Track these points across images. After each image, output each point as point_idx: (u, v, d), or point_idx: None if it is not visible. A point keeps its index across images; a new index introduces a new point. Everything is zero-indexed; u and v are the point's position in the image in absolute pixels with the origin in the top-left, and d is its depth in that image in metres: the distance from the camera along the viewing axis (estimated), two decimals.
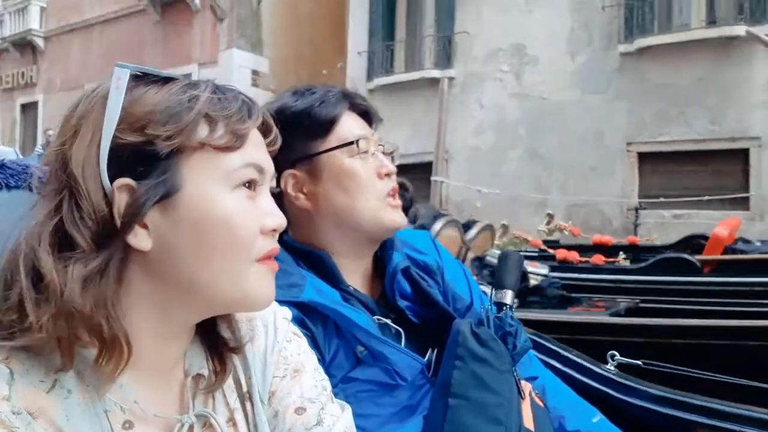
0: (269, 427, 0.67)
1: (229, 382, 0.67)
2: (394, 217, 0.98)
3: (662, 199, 7.81)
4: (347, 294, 0.96)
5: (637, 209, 8.16)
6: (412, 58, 10.87)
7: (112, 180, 0.55)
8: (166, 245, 0.57)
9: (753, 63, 7.73)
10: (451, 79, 9.50)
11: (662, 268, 3.68)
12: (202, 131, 0.57)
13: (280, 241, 0.94)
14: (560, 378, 1.16)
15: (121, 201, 0.55)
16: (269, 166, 0.64)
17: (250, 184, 0.61)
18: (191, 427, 0.62)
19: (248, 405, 0.67)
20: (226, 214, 0.58)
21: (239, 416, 0.66)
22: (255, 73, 12.48)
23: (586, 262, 4.13)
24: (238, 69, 12.16)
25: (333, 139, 0.97)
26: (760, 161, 7.71)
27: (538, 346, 1.25)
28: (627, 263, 4.20)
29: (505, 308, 1.02)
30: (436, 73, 9.88)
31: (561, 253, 4.24)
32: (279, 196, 0.97)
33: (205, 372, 0.65)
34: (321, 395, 0.70)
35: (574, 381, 1.26)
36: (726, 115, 7.88)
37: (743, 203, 7.77)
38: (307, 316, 0.88)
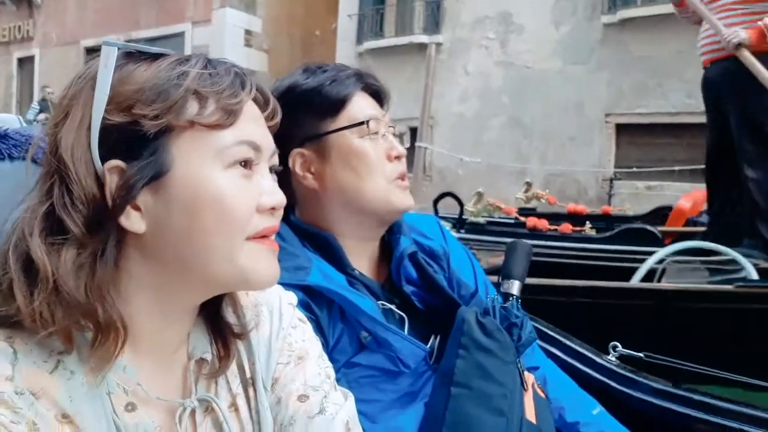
0: (272, 414, 0.66)
1: (233, 368, 0.66)
2: (403, 197, 0.96)
3: (635, 170, 7.92)
4: (353, 278, 0.95)
5: (612, 179, 8.24)
6: (402, 22, 10.79)
7: (103, 162, 0.54)
8: (159, 226, 0.56)
9: None
10: (438, 44, 9.54)
11: (625, 238, 3.73)
12: (192, 109, 0.56)
13: (287, 221, 0.95)
14: (561, 367, 1.16)
15: (112, 183, 0.54)
16: (266, 143, 0.61)
17: (246, 163, 0.58)
18: (193, 411, 0.61)
19: (251, 391, 0.66)
20: (219, 194, 0.56)
21: (241, 402, 0.65)
22: (248, 32, 12.44)
23: (555, 230, 4.28)
24: (231, 28, 12.11)
25: (343, 119, 0.95)
26: None
27: (539, 334, 1.23)
28: (593, 232, 4.33)
29: (511, 299, 1.00)
30: (424, 39, 9.86)
31: (531, 221, 4.29)
32: (286, 175, 0.95)
33: (209, 356, 0.64)
34: (324, 383, 0.69)
35: (575, 371, 1.25)
36: (699, 89, 7.95)
37: None
38: (313, 299, 0.87)
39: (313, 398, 0.67)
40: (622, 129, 8.63)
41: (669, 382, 1.20)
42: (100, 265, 0.54)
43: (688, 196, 4.80)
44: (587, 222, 4.47)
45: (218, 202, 0.56)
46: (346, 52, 11.09)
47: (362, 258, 0.99)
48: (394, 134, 1.00)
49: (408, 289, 0.98)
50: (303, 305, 0.82)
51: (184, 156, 0.55)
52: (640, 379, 1.21)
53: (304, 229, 0.97)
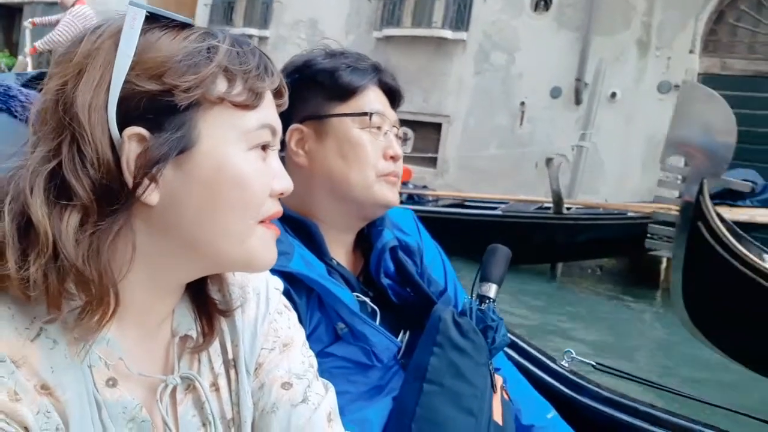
0: (253, 399, 0.62)
1: (216, 347, 0.62)
2: (386, 193, 0.92)
3: None
4: (331, 267, 0.90)
5: None
6: (250, 15, 12.43)
7: (121, 128, 0.49)
8: (174, 200, 0.51)
9: (453, 59, 9.94)
10: (264, 38, 11.39)
11: None
12: (221, 85, 0.52)
13: None
14: (517, 369, 1.14)
15: (130, 151, 0.49)
16: (280, 128, 0.58)
17: (264, 146, 0.55)
18: (174, 389, 0.57)
19: (232, 372, 0.62)
20: (242, 175, 0.52)
21: (222, 382, 0.61)
22: None
23: None
24: None
25: (349, 106, 0.91)
26: (447, 134, 10.06)
27: None
28: None
29: (487, 302, 0.98)
30: (253, 32, 11.67)
31: None
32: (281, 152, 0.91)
33: (194, 333, 0.59)
34: (308, 372, 0.66)
35: (531, 374, 1.24)
36: (432, 96, 10.12)
37: (435, 163, 10.16)
38: (292, 286, 0.82)
39: (296, 386, 0.64)
40: None
41: (617, 391, 1.20)
42: (103, 234, 0.49)
43: None
44: None
45: (239, 183, 0.52)
46: None
47: (340, 247, 0.95)
48: (397, 135, 0.96)
49: (385, 282, 0.95)
50: (282, 291, 0.77)
51: (210, 132, 0.51)
52: (590, 386, 1.21)
53: (288, 214, 0.90)
